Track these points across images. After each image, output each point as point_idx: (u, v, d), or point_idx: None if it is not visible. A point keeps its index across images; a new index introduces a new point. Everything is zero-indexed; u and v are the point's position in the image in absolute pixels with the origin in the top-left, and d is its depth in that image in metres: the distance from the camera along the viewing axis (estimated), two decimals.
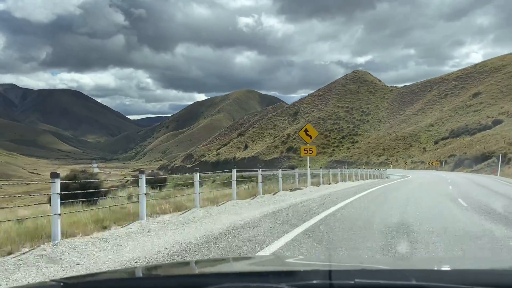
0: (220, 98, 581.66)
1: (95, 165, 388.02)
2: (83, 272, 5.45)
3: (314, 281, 1.70)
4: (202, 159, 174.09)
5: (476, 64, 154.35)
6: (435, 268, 2.15)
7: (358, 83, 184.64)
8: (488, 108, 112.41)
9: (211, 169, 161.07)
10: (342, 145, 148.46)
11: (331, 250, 6.39)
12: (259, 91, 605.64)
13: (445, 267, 2.22)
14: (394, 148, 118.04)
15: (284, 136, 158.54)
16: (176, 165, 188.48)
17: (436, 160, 79.39)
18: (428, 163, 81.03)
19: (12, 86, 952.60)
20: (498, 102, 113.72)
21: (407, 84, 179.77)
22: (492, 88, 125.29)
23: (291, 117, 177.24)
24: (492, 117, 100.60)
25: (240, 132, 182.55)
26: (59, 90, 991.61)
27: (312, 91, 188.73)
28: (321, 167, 49.00)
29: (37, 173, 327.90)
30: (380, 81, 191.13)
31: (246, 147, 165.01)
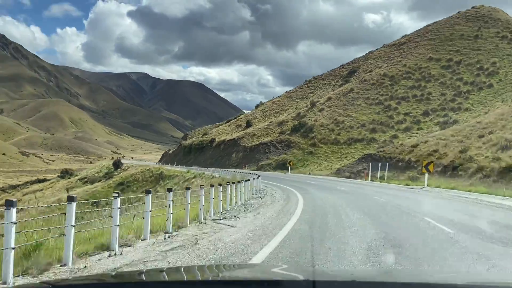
0: None
1: None
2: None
3: None
4: (188, 141, 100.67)
5: None
6: (421, 282, 1.94)
7: (479, 23, 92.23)
8: None
9: (180, 157, 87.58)
10: (420, 128, 62.10)
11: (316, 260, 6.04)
12: None
13: (432, 281, 2.00)
14: None
15: (306, 106, 76.74)
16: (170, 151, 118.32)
17: None
18: None
19: (145, 75, 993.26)
20: None
21: None
22: None
23: (342, 79, 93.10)
24: None
25: (259, 103, 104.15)
26: (184, 81, 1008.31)
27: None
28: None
29: (120, 153, 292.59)
30: None
31: (248, 124, 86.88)
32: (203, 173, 45.15)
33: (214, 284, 1.88)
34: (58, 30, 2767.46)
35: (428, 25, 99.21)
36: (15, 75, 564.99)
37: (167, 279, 2.13)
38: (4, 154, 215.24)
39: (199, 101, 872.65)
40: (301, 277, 1.98)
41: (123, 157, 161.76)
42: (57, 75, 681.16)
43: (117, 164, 69.73)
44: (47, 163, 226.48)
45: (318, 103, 74.97)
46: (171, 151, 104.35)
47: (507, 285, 2.01)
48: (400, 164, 37.55)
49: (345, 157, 55.71)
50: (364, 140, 60.25)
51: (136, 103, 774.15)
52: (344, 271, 4.19)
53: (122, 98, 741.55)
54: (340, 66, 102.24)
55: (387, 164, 35.91)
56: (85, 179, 71.12)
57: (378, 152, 41.62)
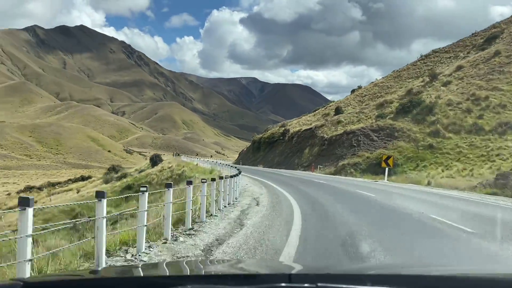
0: None
1: None
2: None
3: (274, 284, 1.59)
4: (258, 136, 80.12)
5: None
6: (395, 273, 1.98)
7: None
8: None
9: (250, 154, 67.21)
10: None
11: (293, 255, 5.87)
12: None
13: (406, 272, 2.04)
14: None
15: (422, 82, 50.50)
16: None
17: None
18: None
19: (254, 80, 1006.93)
20: None
21: None
22: None
23: (476, 49, 63.68)
24: None
25: (356, 87, 78.50)
26: (290, 84, 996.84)
27: None
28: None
29: (223, 154, 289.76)
30: None
31: (338, 112, 63.11)
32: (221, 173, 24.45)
33: (190, 279, 1.83)
34: (178, 39, 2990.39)
35: None
36: (138, 81, 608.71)
37: (143, 274, 2.09)
38: (109, 151, 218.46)
39: (306, 104, 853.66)
40: (277, 270, 2.05)
41: (195, 154, 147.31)
42: (174, 81, 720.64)
43: (154, 161, 52.26)
44: None
45: (441, 75, 48.45)
46: (245, 149, 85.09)
47: (465, 274, 1.96)
48: None
49: (497, 155, 29.60)
50: None
51: (245, 106, 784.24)
52: (319, 264, 4.42)
53: (232, 101, 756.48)
54: (472, 34, 71.98)
55: None
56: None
57: None
